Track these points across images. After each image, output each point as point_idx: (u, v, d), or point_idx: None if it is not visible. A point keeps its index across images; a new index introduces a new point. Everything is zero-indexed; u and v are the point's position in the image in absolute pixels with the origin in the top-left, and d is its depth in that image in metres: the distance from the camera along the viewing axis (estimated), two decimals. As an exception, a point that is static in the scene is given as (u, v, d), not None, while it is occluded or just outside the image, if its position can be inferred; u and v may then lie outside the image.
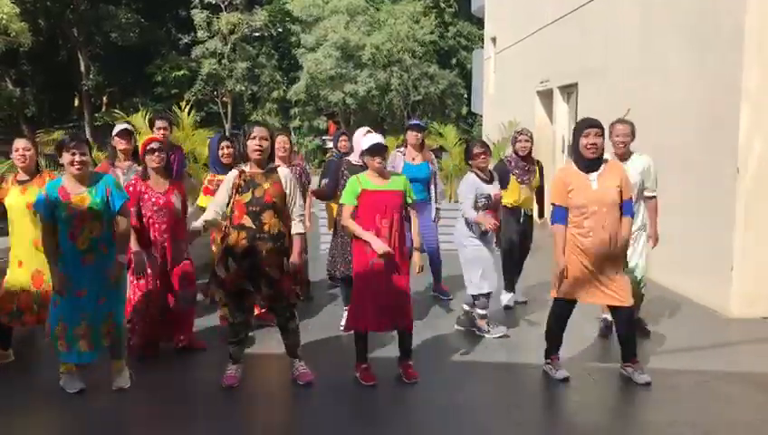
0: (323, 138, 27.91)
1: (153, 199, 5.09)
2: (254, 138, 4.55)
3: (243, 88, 27.85)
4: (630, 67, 8.84)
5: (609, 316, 5.86)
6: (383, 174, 4.78)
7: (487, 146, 5.82)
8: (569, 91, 12.01)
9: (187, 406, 4.60)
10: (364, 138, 5.01)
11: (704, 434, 4.11)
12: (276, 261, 4.60)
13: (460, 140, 14.33)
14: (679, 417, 4.33)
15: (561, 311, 4.87)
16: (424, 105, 28.43)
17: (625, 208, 4.66)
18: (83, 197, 4.41)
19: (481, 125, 21.29)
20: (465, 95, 27.88)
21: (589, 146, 4.59)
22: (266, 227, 4.54)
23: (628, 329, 4.82)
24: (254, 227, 4.52)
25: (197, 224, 4.58)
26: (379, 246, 4.61)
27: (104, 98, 30.34)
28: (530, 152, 6.58)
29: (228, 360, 4.84)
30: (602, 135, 4.63)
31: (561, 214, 4.69)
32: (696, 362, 5.30)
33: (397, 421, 4.35)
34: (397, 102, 27.72)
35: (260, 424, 4.38)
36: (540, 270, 6.90)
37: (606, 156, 5.65)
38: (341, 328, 5.99)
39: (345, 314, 6.08)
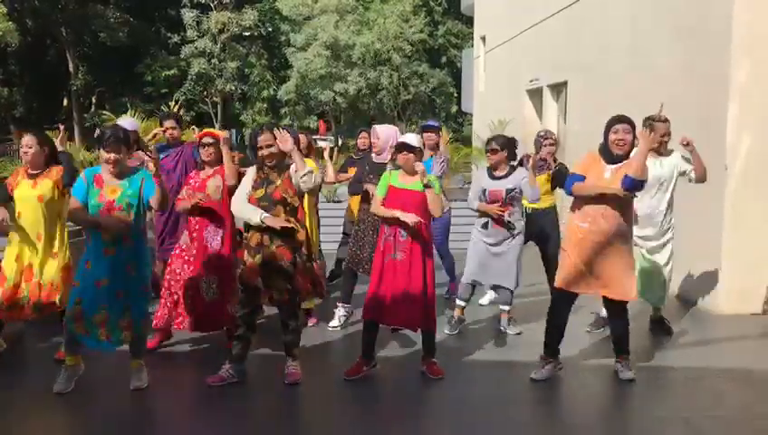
0: (314, 137, 27.90)
1: (191, 182, 5.31)
2: (261, 148, 4.64)
3: (233, 87, 27.83)
4: (620, 65, 8.88)
5: (602, 311, 5.92)
6: (412, 173, 4.83)
7: (504, 143, 5.72)
8: (558, 89, 12.05)
9: (187, 406, 4.60)
10: (401, 136, 5.06)
11: (694, 430, 4.15)
12: (289, 256, 4.66)
13: (450, 138, 14.38)
14: (670, 413, 4.36)
15: (560, 303, 4.86)
16: (414, 104, 28.51)
17: (623, 181, 4.54)
18: (115, 188, 4.45)
19: (471, 124, 21.35)
20: (455, 94, 27.96)
21: (617, 141, 4.62)
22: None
23: (619, 323, 4.85)
24: (258, 223, 4.59)
25: (255, 219, 4.57)
26: (409, 217, 4.68)
27: (93, 98, 30.20)
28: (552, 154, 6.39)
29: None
30: (631, 132, 4.64)
31: (574, 178, 4.70)
32: (687, 359, 5.34)
33: (392, 420, 4.37)
34: (387, 101, 27.77)
35: (254, 424, 4.38)
36: (533, 271, 6.90)
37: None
38: (328, 327, 6.03)
39: (336, 311, 6.13)
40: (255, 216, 4.55)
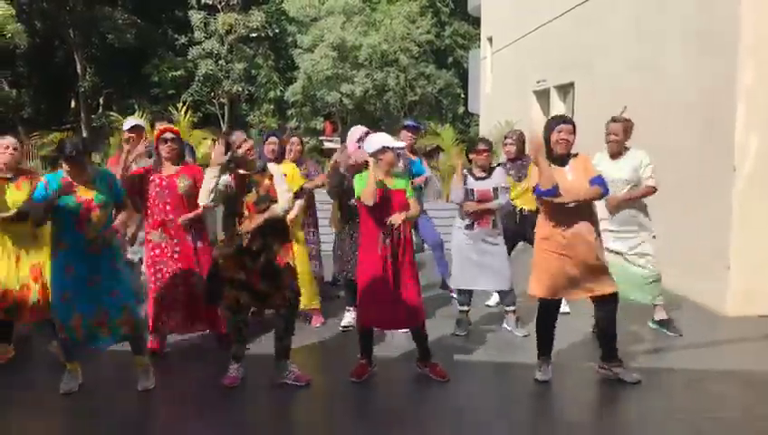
0: (320, 138, 27.93)
1: (157, 181, 5.25)
2: (240, 145, 4.60)
3: (240, 89, 27.84)
4: (627, 66, 8.86)
5: None
6: (390, 173, 4.81)
7: (491, 145, 5.88)
8: (565, 90, 12.04)
9: (190, 406, 4.61)
10: (375, 136, 4.95)
11: (696, 432, 4.14)
12: (287, 255, 4.74)
13: (457, 140, 14.37)
14: (672, 415, 4.36)
15: (547, 311, 4.86)
16: (421, 105, 28.46)
17: (594, 181, 4.59)
18: (89, 188, 4.48)
19: (478, 125, 21.33)
20: (462, 95, 27.90)
21: (560, 141, 4.64)
22: (273, 222, 4.65)
23: (609, 323, 4.83)
24: (264, 223, 4.61)
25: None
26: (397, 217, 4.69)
27: (101, 99, 30.28)
28: (519, 153, 6.61)
29: (230, 359, 4.86)
30: (574, 132, 4.68)
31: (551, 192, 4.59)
32: (692, 361, 5.32)
33: (395, 421, 4.38)
34: (393, 103, 27.73)
35: (263, 424, 4.40)
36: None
37: (603, 152, 5.72)
38: (341, 328, 6.06)
39: (347, 313, 6.13)
40: (203, 198, 4.51)
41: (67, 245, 4.47)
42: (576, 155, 4.74)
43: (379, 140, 4.83)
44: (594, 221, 4.74)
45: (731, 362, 5.31)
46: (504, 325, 6.07)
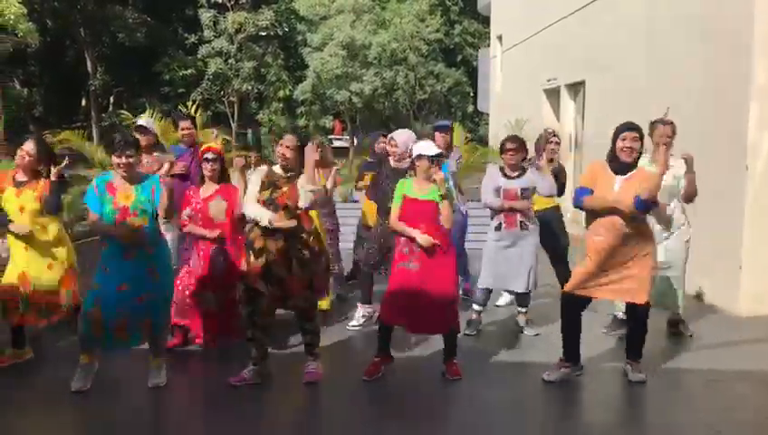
0: (329, 137, 27.94)
1: (192, 204, 5.33)
2: (281, 145, 4.74)
3: (249, 87, 27.86)
4: (637, 65, 8.82)
5: (618, 313, 5.86)
6: (428, 180, 4.82)
7: (521, 143, 5.78)
8: (576, 89, 11.99)
9: (196, 404, 4.62)
10: (420, 143, 5.04)
11: (714, 433, 4.11)
12: (284, 261, 4.66)
13: (466, 139, 14.33)
14: (690, 416, 4.33)
15: (569, 307, 4.82)
16: (430, 104, 28.44)
17: (635, 202, 4.48)
18: (129, 194, 4.49)
19: (487, 124, 21.28)
20: (471, 93, 27.87)
21: (624, 149, 4.56)
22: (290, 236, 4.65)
23: (637, 328, 4.82)
24: (267, 225, 4.61)
25: (263, 222, 4.62)
26: (423, 238, 4.74)
27: (111, 98, 30.41)
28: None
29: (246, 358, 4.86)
30: (640, 140, 4.58)
31: (583, 192, 4.64)
32: (706, 362, 5.29)
33: (403, 419, 4.37)
34: (403, 101, 27.71)
35: (272, 423, 4.40)
36: (548, 271, 6.86)
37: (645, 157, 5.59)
38: (348, 327, 6.05)
39: (357, 312, 6.13)
40: (264, 218, 4.59)
41: (107, 246, 4.55)
42: (638, 166, 4.63)
43: (416, 147, 4.92)
44: (645, 225, 4.65)
45: (747, 363, 5.27)
46: (518, 324, 6.05)
